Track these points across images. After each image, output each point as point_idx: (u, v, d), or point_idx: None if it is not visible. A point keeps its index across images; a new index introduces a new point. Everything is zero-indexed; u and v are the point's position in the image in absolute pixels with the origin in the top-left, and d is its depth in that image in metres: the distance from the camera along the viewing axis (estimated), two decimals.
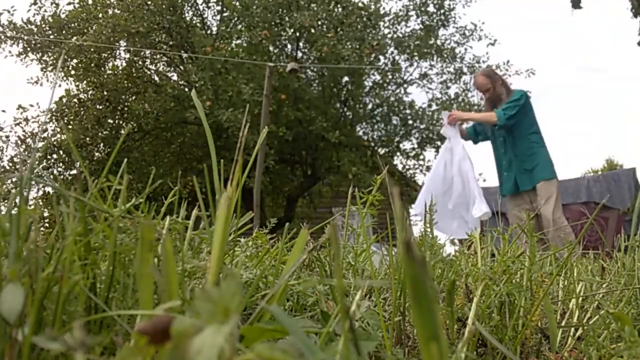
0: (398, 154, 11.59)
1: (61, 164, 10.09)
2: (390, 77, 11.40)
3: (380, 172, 0.90)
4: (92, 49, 9.50)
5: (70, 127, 9.91)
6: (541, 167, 3.93)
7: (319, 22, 9.85)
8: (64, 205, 0.61)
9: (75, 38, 9.74)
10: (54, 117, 9.95)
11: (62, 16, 10.02)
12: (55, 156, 10.02)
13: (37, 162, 0.64)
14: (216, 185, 0.69)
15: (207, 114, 8.81)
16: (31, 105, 9.87)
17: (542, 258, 1.21)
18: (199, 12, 10.86)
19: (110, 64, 10.68)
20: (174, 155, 11.30)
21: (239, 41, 10.75)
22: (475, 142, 4.42)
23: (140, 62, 10.87)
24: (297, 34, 10.04)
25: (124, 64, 10.71)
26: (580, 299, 1.06)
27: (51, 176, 9.48)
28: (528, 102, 3.98)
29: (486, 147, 4.74)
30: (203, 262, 0.77)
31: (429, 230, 0.98)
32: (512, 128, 3.94)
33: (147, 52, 10.38)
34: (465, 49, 11.53)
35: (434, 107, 11.11)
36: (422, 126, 10.89)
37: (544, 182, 3.89)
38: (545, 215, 3.79)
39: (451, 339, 0.85)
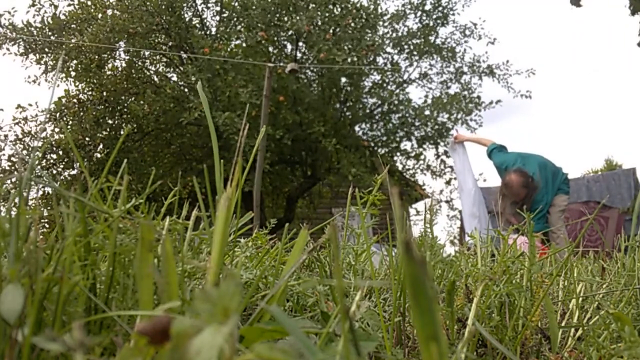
0: (398, 154, 11.60)
1: (60, 164, 10.09)
2: (390, 77, 11.41)
3: (379, 172, 0.90)
4: (91, 50, 9.50)
5: (69, 127, 9.91)
6: (563, 183, 4.35)
7: (317, 27, 9.84)
8: (63, 205, 0.61)
9: (74, 39, 9.75)
10: (52, 117, 9.96)
11: (62, 17, 10.02)
12: (54, 156, 10.03)
13: (36, 162, 0.64)
14: (218, 184, 0.69)
15: (203, 116, 8.82)
16: (30, 105, 9.88)
17: (541, 258, 1.21)
18: (198, 13, 10.86)
19: (110, 65, 10.68)
20: (174, 156, 11.30)
21: (237, 42, 10.76)
22: (489, 157, 4.81)
23: (139, 63, 10.87)
24: (296, 35, 10.05)
25: (124, 65, 10.71)
26: (580, 299, 1.06)
27: (50, 176, 9.47)
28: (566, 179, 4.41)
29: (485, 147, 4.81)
30: (203, 262, 0.77)
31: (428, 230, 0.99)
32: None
33: (147, 52, 10.38)
34: (465, 49, 11.54)
35: (429, 101, 11.12)
36: (417, 123, 10.90)
37: (561, 195, 4.29)
38: (550, 219, 4.23)
39: (451, 340, 0.85)
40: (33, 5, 9.92)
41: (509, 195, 4.16)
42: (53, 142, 9.87)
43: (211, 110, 9.06)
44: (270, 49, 10.67)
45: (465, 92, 11.19)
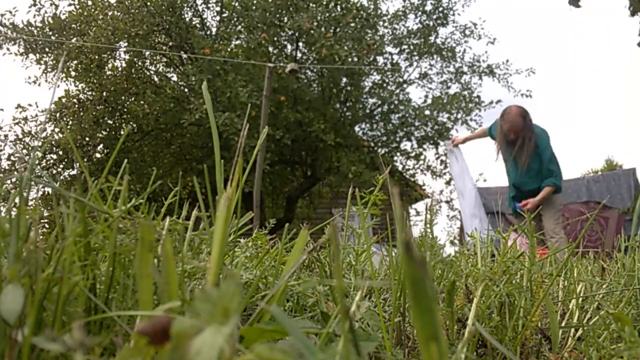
0: (398, 154, 11.60)
1: (60, 164, 10.10)
2: (390, 77, 11.41)
3: (379, 170, 0.90)
4: (91, 50, 9.51)
5: (69, 127, 9.92)
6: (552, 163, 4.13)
7: (317, 24, 9.86)
8: (63, 205, 0.61)
9: (75, 39, 9.75)
10: (52, 117, 9.96)
11: (62, 17, 10.02)
12: (54, 156, 10.03)
13: (36, 162, 0.64)
14: (218, 184, 0.69)
15: (204, 117, 8.82)
16: (30, 105, 9.89)
17: (541, 259, 1.22)
18: (198, 13, 10.87)
19: (110, 65, 10.69)
20: (174, 156, 11.30)
21: (238, 42, 10.76)
22: (493, 137, 4.59)
23: (139, 63, 10.87)
24: (297, 35, 10.05)
25: (124, 65, 10.72)
26: (580, 299, 1.06)
27: (50, 176, 9.47)
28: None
29: (486, 148, 4.80)
30: (203, 262, 0.77)
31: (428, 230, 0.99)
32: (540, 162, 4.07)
33: (147, 53, 10.38)
34: (465, 49, 11.54)
35: (429, 102, 11.13)
36: (416, 123, 10.91)
37: (552, 195, 4.09)
38: (545, 223, 4.05)
39: (451, 340, 0.85)
40: (34, 4, 9.92)
41: (506, 125, 4.02)
42: (53, 142, 9.87)
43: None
44: (271, 49, 10.68)
45: (466, 92, 11.20)
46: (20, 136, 9.81)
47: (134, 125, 10.39)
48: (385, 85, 11.29)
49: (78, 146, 9.65)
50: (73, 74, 10.35)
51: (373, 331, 0.72)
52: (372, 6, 10.66)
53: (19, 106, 9.83)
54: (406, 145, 11.52)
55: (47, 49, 10.00)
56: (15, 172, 8.62)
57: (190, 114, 8.99)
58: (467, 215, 5.02)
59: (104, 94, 10.27)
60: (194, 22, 10.79)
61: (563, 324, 1.03)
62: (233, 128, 8.54)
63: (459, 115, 10.77)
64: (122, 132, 10.23)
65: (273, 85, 8.36)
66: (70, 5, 10.24)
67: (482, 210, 5.02)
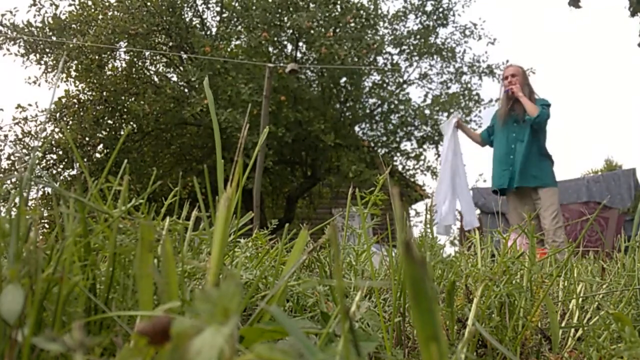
0: (398, 154, 11.61)
1: (60, 164, 10.10)
2: (390, 77, 11.42)
3: (379, 169, 0.90)
4: (91, 50, 9.51)
5: (69, 127, 9.92)
6: (546, 174, 4.02)
7: (317, 23, 9.87)
8: (63, 206, 0.61)
9: (75, 39, 9.75)
10: (52, 117, 9.96)
11: (62, 17, 10.03)
12: (54, 156, 10.03)
13: (36, 162, 0.64)
14: (219, 183, 0.69)
15: (205, 112, 8.83)
16: (30, 105, 9.89)
17: (541, 259, 1.22)
18: (199, 13, 10.87)
19: (110, 65, 10.69)
20: (174, 156, 11.31)
21: (238, 42, 10.77)
22: (491, 145, 4.48)
23: (139, 63, 10.87)
24: (297, 35, 10.06)
25: (124, 65, 10.72)
26: (581, 299, 1.06)
27: (50, 176, 9.46)
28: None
29: (485, 148, 4.75)
30: (203, 262, 0.77)
31: (428, 231, 0.98)
32: (534, 131, 4.01)
33: (147, 53, 10.38)
34: (465, 50, 11.55)
35: (428, 101, 11.13)
36: (416, 123, 10.91)
37: (548, 188, 3.97)
38: (544, 223, 3.90)
39: (451, 340, 0.85)
40: (34, 4, 9.92)
41: (507, 71, 4.27)
42: (53, 142, 9.87)
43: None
44: (271, 49, 10.68)
45: (465, 92, 11.22)
46: (20, 136, 9.82)
47: (134, 125, 10.39)
48: (385, 85, 11.30)
49: (78, 146, 9.65)
50: (73, 74, 10.34)
51: (373, 331, 0.72)
52: (372, 6, 10.67)
53: (19, 106, 9.83)
54: (406, 145, 11.53)
55: (47, 49, 10.01)
56: (15, 172, 8.62)
57: (192, 107, 8.97)
58: (464, 198, 4.51)
59: (104, 94, 10.27)
60: (194, 22, 10.78)
61: (563, 324, 1.03)
62: (235, 124, 8.54)
63: (459, 115, 10.79)
64: (122, 132, 10.23)
65: (273, 85, 8.36)
66: (70, 5, 10.24)
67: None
